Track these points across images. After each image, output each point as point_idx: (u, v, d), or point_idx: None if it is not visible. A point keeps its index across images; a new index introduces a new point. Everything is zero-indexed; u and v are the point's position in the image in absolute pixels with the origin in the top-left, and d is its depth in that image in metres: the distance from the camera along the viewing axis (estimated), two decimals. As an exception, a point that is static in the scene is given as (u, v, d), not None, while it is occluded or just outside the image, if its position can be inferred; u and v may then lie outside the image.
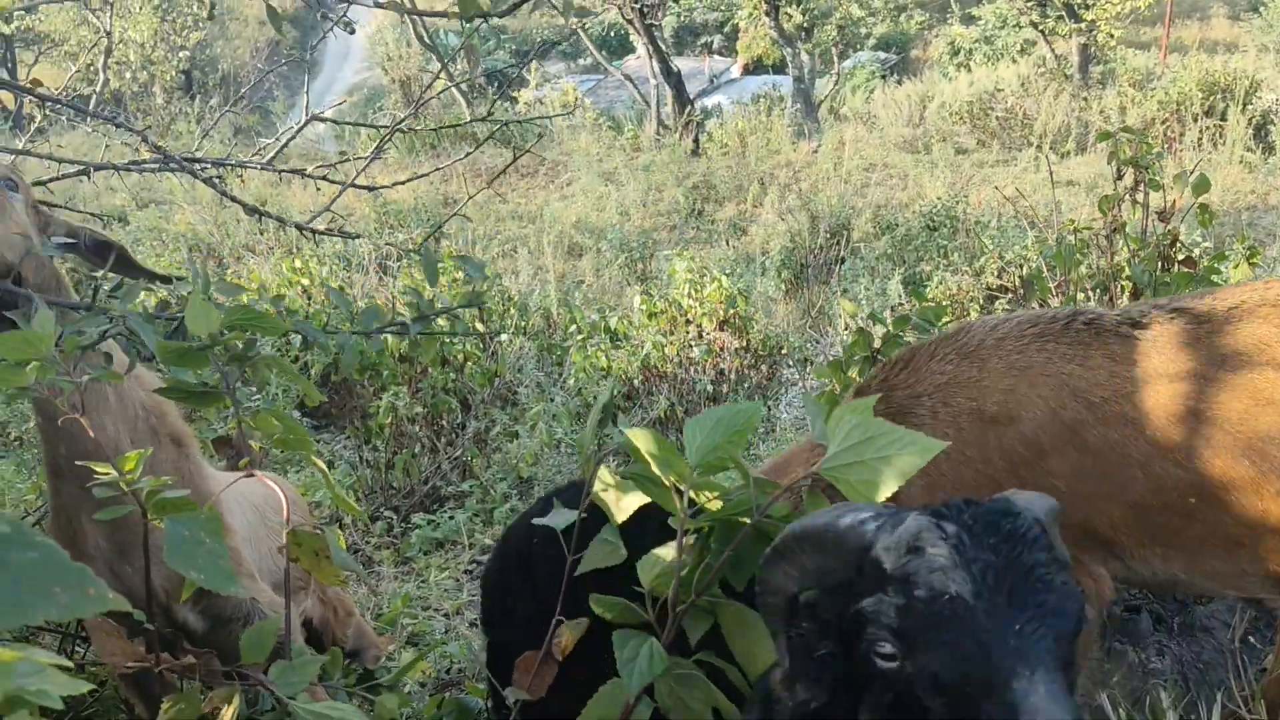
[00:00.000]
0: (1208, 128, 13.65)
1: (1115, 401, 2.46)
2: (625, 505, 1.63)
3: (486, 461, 5.42)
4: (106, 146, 4.20)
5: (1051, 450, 2.49)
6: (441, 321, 2.42)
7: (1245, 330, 2.43)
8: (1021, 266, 6.57)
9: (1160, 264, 3.98)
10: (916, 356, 2.71)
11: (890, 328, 3.14)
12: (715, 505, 1.50)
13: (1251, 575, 2.48)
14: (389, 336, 6.05)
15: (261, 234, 10.78)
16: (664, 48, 17.27)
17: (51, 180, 3.35)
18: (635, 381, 6.21)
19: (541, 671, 1.68)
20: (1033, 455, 2.50)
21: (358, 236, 4.06)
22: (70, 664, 0.83)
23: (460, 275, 6.22)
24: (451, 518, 4.85)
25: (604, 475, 1.65)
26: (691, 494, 1.48)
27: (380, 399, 5.56)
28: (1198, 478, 2.40)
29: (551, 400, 6.07)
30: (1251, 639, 3.42)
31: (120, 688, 2.69)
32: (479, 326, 6.82)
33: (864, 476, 1.33)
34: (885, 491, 1.33)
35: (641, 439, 1.53)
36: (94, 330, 1.79)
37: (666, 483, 1.52)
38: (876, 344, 3.07)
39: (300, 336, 6.43)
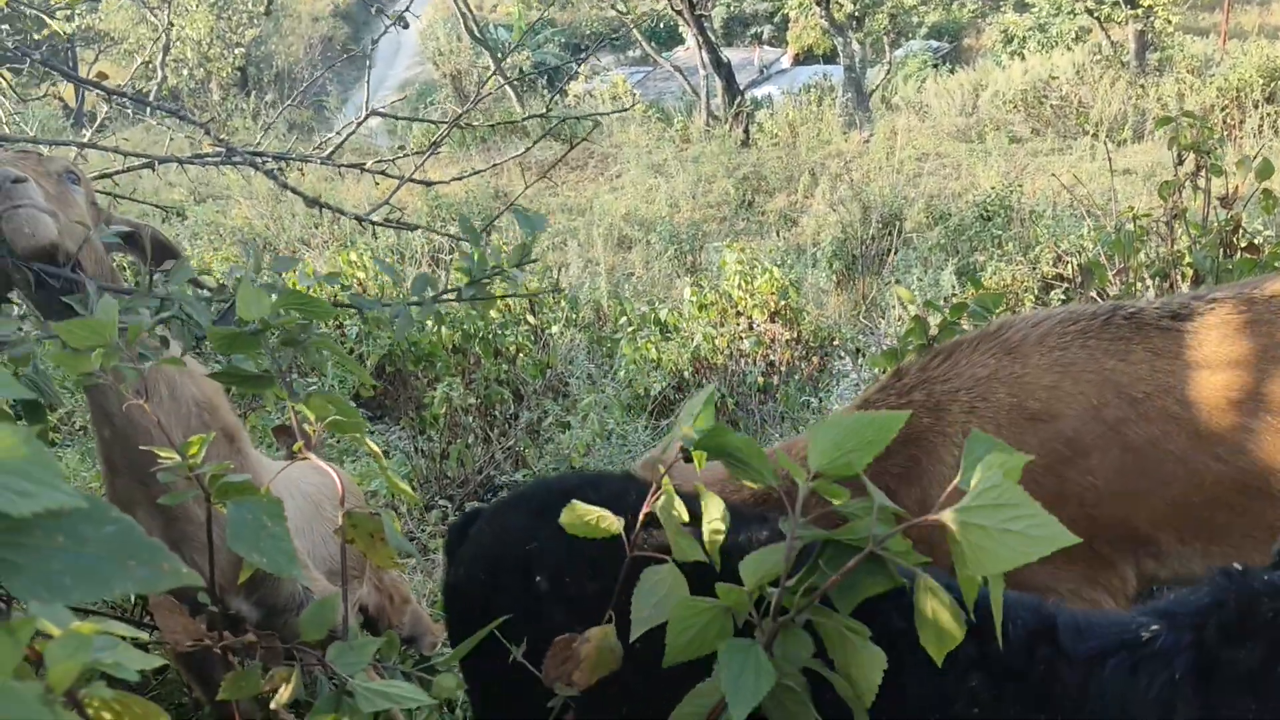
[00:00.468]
0: (1269, 114, 13.36)
1: (1157, 396, 2.43)
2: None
3: (539, 452, 5.45)
4: (171, 139, 4.27)
5: (1093, 448, 2.46)
6: (497, 287, 2.41)
7: None
8: (1079, 255, 6.48)
9: (1222, 251, 3.91)
10: (958, 350, 2.70)
11: (947, 315, 3.11)
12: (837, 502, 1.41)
13: None
14: (443, 329, 6.13)
15: (316, 228, 10.93)
16: (714, 38, 17.24)
17: (117, 173, 3.42)
18: (686, 374, 6.21)
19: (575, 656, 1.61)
20: (1073, 453, 2.48)
21: (417, 228, 4.11)
22: (146, 637, 0.85)
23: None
24: (505, 507, 4.88)
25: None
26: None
27: (434, 390, 5.61)
28: (1238, 470, 2.37)
29: (603, 392, 6.09)
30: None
31: (180, 671, 2.74)
32: (530, 320, 6.86)
33: (987, 545, 1.21)
34: (1003, 567, 1.20)
35: (729, 437, 1.46)
36: (148, 311, 1.82)
37: (772, 481, 1.44)
38: (933, 332, 3.04)
39: (354, 329, 6.47)
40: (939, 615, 1.33)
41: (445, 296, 2.14)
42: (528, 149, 4.46)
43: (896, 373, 2.81)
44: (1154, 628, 1.39)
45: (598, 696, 1.69)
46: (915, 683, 1.50)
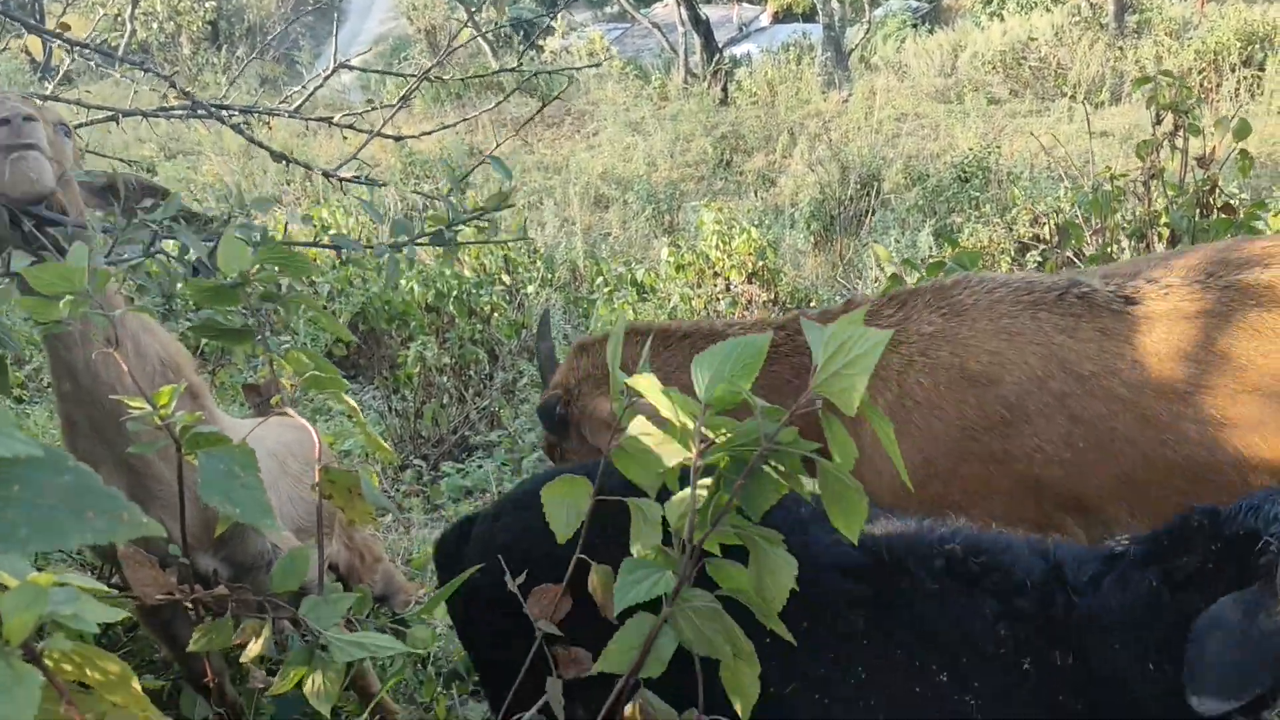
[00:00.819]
0: (1245, 78, 13.38)
1: (1103, 376, 2.45)
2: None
3: (514, 412, 5.43)
4: (135, 93, 4.19)
5: (1037, 415, 2.48)
6: (470, 232, 2.39)
7: (1235, 316, 2.41)
8: (1055, 216, 6.49)
9: (1199, 211, 3.91)
10: (911, 301, 2.69)
11: (924, 274, 3.10)
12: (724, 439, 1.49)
13: None
14: (415, 287, 6.08)
15: (289, 184, 10.81)
16: (692, -5, 17.04)
17: (80, 126, 3.35)
18: (663, 332, 6.19)
19: (560, 605, 1.67)
20: (1015, 418, 2.49)
21: (384, 185, 4.06)
22: (106, 589, 0.83)
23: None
24: (480, 466, 4.87)
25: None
26: (705, 431, 1.47)
27: (408, 349, 5.58)
28: (1185, 459, 2.39)
29: (579, 351, 6.06)
30: None
31: (147, 629, 2.72)
32: (505, 279, 6.82)
33: (843, 385, 1.34)
34: (859, 394, 1.34)
35: (645, 384, 1.51)
36: (140, 240, 1.79)
37: (677, 424, 1.51)
38: (909, 290, 3.03)
39: (326, 286, 6.39)
40: (844, 493, 1.44)
41: (422, 240, 2.11)
42: (498, 103, 4.41)
43: (848, 304, 2.81)
44: (1124, 542, 1.77)
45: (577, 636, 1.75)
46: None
